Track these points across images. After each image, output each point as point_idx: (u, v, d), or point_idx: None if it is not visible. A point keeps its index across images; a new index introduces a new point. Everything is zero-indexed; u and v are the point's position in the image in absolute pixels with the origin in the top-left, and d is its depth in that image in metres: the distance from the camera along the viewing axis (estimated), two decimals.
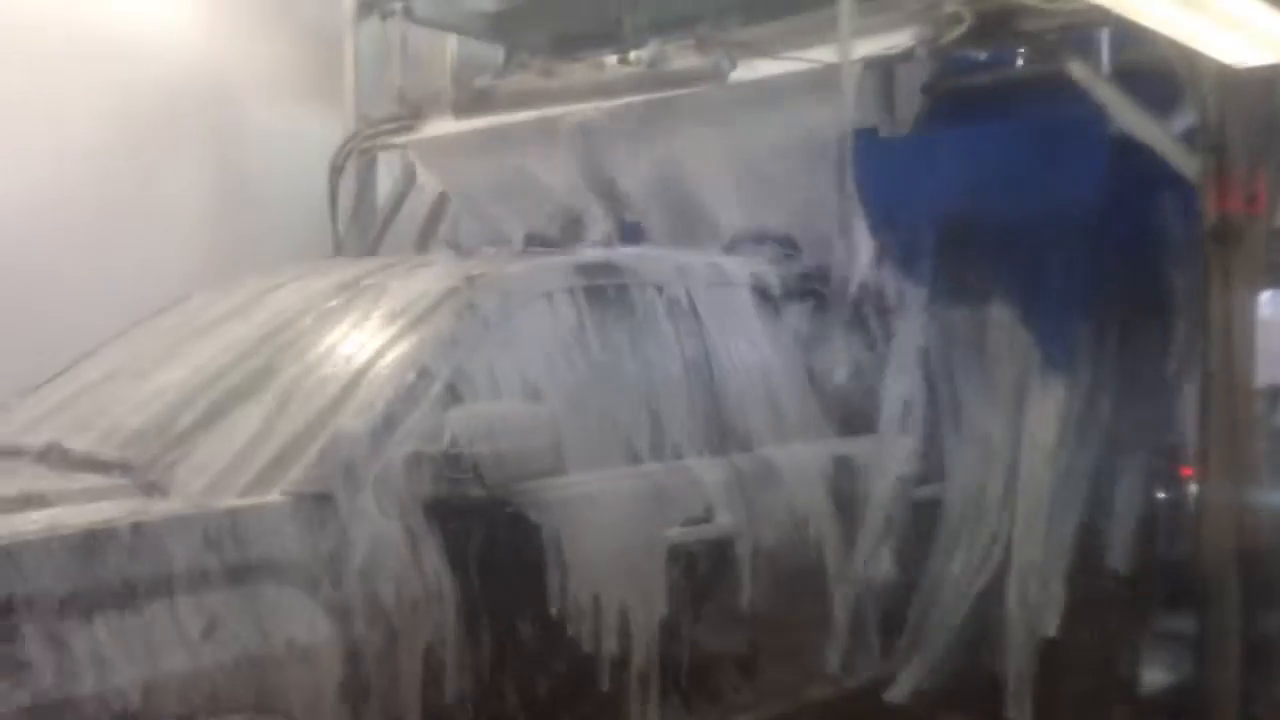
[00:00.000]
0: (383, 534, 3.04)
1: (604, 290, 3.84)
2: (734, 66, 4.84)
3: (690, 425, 3.85)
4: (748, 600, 3.83)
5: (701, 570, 3.70)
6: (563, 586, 3.35)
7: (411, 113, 6.23)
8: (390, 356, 3.34)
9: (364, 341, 3.46)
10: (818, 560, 4.08)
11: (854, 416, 4.39)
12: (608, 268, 3.94)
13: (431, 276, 3.75)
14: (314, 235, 6.31)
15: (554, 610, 3.33)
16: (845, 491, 4.19)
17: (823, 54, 4.73)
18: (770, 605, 3.89)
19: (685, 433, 3.83)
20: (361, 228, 6.44)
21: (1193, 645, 4.22)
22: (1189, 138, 4.19)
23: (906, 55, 4.61)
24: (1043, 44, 4.52)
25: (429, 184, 6.31)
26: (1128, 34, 4.05)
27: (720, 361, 4.02)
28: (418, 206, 6.49)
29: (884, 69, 4.84)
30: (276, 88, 6.77)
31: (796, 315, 4.40)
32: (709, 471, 3.82)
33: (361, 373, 3.30)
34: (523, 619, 3.29)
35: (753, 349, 4.18)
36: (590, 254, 4.18)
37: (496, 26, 6.92)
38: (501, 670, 3.23)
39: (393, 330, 3.46)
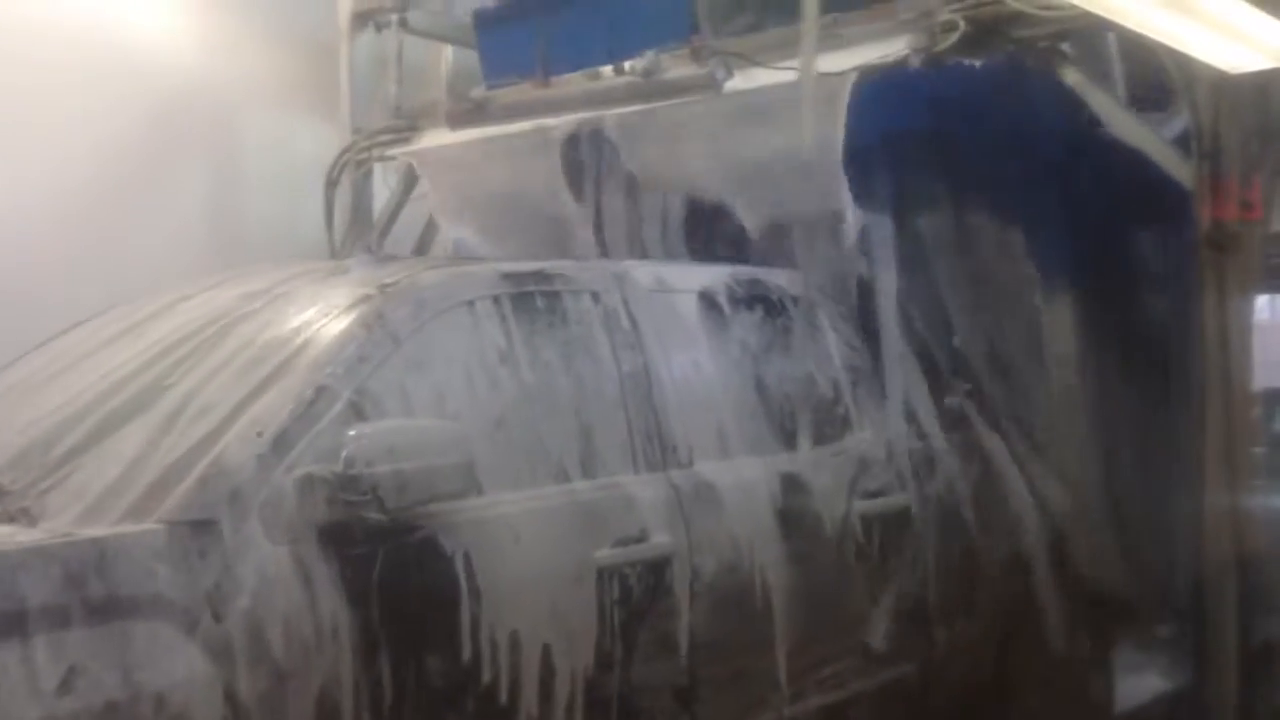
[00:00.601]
0: (271, 564, 2.79)
1: (533, 298, 3.65)
2: (730, 75, 4.84)
3: (625, 440, 3.66)
4: (686, 626, 3.61)
5: (635, 594, 3.50)
6: (476, 617, 3.11)
7: (407, 124, 6.24)
8: (289, 372, 3.10)
9: (262, 356, 3.21)
10: (763, 582, 3.85)
11: (805, 429, 4.21)
12: (537, 275, 3.75)
13: (343, 285, 3.54)
14: (310, 247, 6.30)
15: (466, 645, 3.09)
16: (794, 509, 3.99)
17: (820, 63, 4.72)
18: (711, 630, 3.68)
19: (619, 448, 3.64)
20: (358, 239, 6.44)
21: (1190, 651, 4.21)
22: (1183, 144, 4.20)
23: (900, 64, 4.61)
24: (1037, 51, 4.53)
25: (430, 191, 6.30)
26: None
27: (660, 373, 3.83)
28: (414, 217, 6.49)
29: None
30: (272, 99, 6.77)
31: (746, 325, 4.22)
32: (645, 489, 3.62)
33: (256, 390, 3.06)
34: (431, 655, 3.03)
35: (697, 360, 4.00)
36: (518, 261, 4.01)
37: None
38: (406, 715, 2.97)
39: (295, 344, 3.22)
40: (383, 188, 6.52)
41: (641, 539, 3.53)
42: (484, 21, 6.16)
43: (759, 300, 4.29)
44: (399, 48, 6.39)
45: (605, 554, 3.43)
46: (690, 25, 5.03)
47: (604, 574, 3.41)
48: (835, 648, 4.11)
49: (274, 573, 2.79)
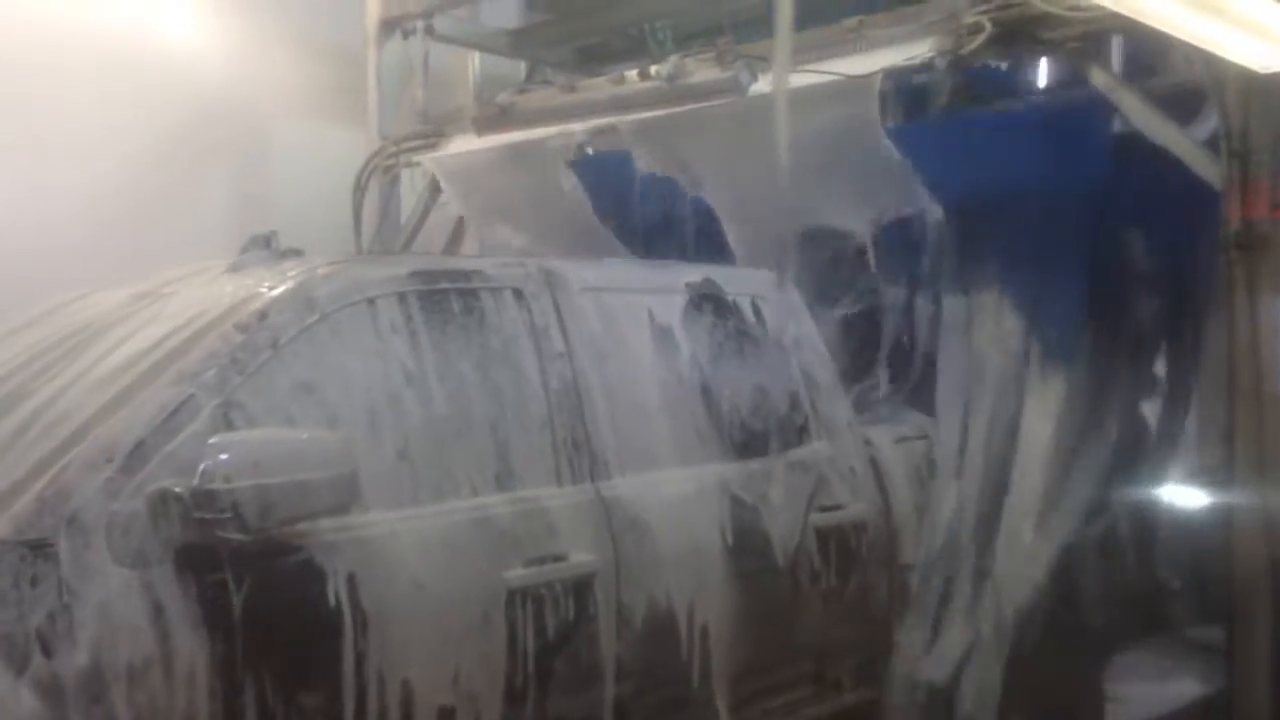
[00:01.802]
0: (117, 593, 2.51)
1: (445, 297, 3.36)
2: (754, 79, 4.84)
3: (548, 451, 3.38)
4: (612, 654, 3.33)
5: (553, 619, 3.22)
6: (361, 650, 2.82)
7: (434, 129, 6.27)
8: (153, 380, 2.83)
9: (129, 363, 2.95)
10: (702, 603, 3.58)
11: (756, 439, 3.95)
12: (451, 272, 3.47)
13: (229, 285, 3.28)
14: (339, 253, 6.33)
15: (349, 682, 2.79)
16: (740, 524, 3.73)
17: (844, 66, 4.72)
18: (641, 658, 3.40)
19: (541, 460, 3.36)
20: (385, 245, 6.47)
21: (1223, 656, 4.17)
22: (1212, 144, 4.16)
23: (926, 66, 4.59)
24: (1064, 52, 4.51)
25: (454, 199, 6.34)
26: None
27: (592, 378, 3.56)
28: (441, 223, 6.52)
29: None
30: (300, 106, 6.80)
31: (695, 328, 3.96)
32: (567, 504, 3.35)
33: (116, 401, 2.79)
34: (306, 695, 2.73)
35: (637, 364, 3.72)
36: (432, 256, 3.78)
37: (518, 43, 6.97)
38: None
39: (164, 350, 2.95)
40: (410, 193, 6.55)
41: (560, 558, 3.26)
42: None
43: (711, 302, 4.03)
44: (425, 54, 6.43)
45: (517, 575, 3.15)
46: None
47: (516, 597, 3.14)
48: (786, 674, 3.86)
49: (119, 602, 2.51)
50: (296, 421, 2.90)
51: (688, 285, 4.01)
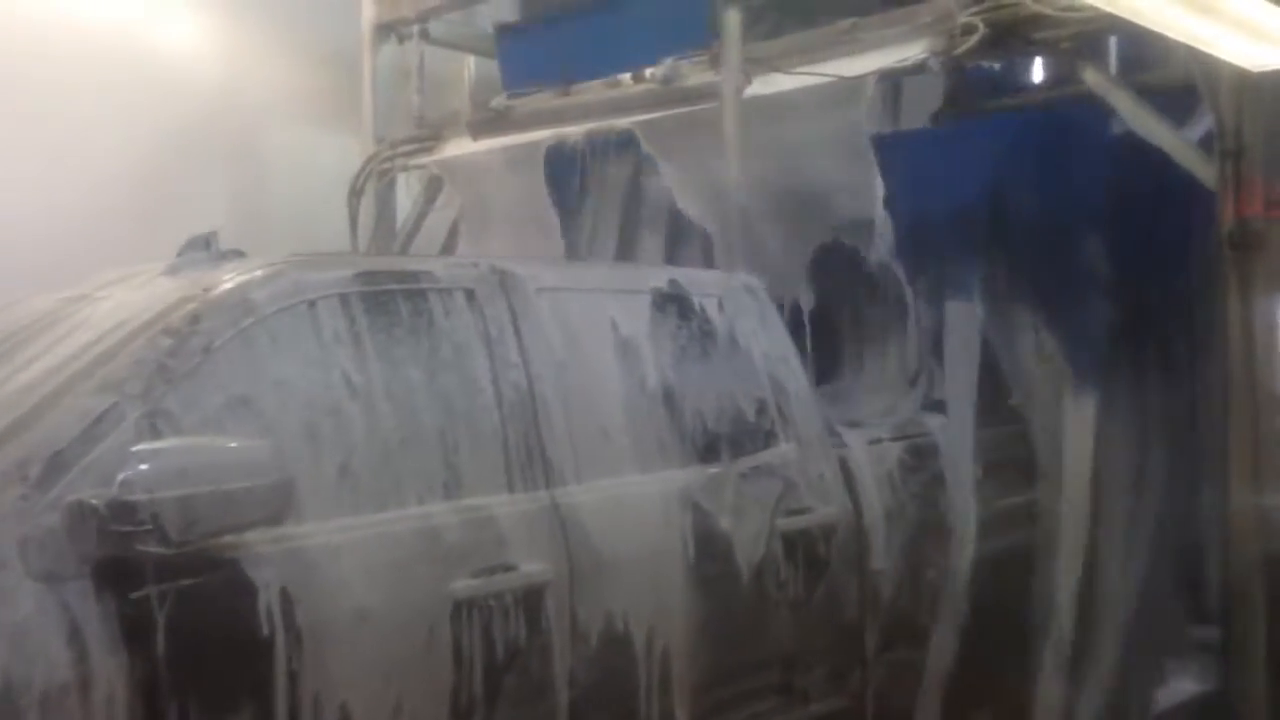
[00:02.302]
0: (30, 610, 2.38)
1: (392, 298, 3.23)
2: (749, 82, 4.85)
3: (499, 457, 3.25)
4: (565, 669, 3.19)
5: (502, 632, 3.09)
6: (295, 669, 2.68)
7: (430, 133, 6.28)
8: (76, 388, 2.71)
9: (52, 371, 2.82)
10: (663, 613, 3.44)
11: (721, 443, 3.80)
12: (398, 272, 3.35)
13: (162, 289, 3.14)
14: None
15: (281, 703, 2.65)
16: (703, 530, 3.60)
17: (839, 68, 4.73)
18: (596, 672, 3.26)
19: (491, 466, 3.23)
20: (381, 248, 6.47)
21: (1219, 653, 4.18)
22: (1206, 143, 4.18)
23: (919, 67, 4.60)
24: (1057, 52, 4.52)
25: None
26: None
27: (547, 381, 3.42)
28: (438, 226, 6.52)
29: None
30: (296, 110, 6.82)
31: (657, 329, 3.82)
32: (517, 512, 3.22)
33: (38, 409, 2.66)
34: (234, 716, 2.60)
35: (595, 367, 3.59)
36: (379, 257, 3.64)
37: None
38: None
39: (92, 355, 2.82)
40: (406, 197, 6.55)
41: (510, 568, 3.13)
42: (504, 32, 6.22)
43: (675, 303, 3.89)
44: (421, 58, 6.44)
45: (464, 586, 3.01)
46: (707, 33, 5.04)
47: (462, 609, 3.01)
48: (750, 685, 3.73)
49: (32, 619, 2.38)
50: (230, 431, 2.76)
51: (652, 287, 3.88)
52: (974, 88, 5.42)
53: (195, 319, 2.88)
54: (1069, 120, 4.72)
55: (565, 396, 3.44)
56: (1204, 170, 4.12)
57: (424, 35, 6.45)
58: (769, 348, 4.08)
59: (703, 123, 4.93)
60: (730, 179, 4.75)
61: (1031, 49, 4.64)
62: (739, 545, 3.68)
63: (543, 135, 5.58)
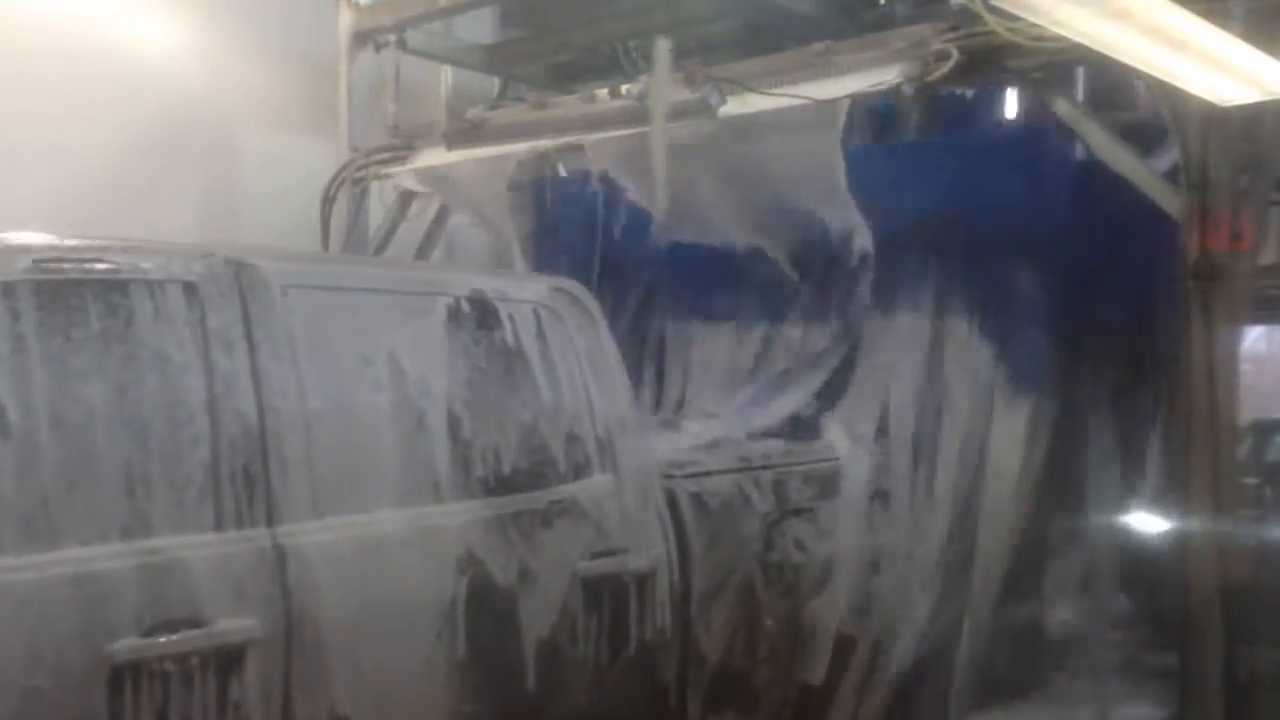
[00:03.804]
0: None
1: (76, 290, 2.68)
2: (724, 101, 4.87)
3: (205, 488, 2.73)
4: None
5: (180, 703, 2.58)
6: None
7: (404, 143, 6.27)
8: None
9: None
10: (420, 670, 2.96)
11: (516, 474, 3.33)
12: (89, 260, 2.75)
13: None
14: None
15: None
16: (479, 576, 3.12)
17: (813, 89, 4.76)
18: None
19: (191, 500, 2.71)
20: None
21: (1176, 682, 4.21)
22: (1173, 175, 4.22)
23: (894, 92, 4.64)
24: (1028, 82, 4.56)
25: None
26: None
27: (283, 398, 2.90)
28: (410, 236, 6.51)
29: None
30: (271, 117, 6.80)
31: (445, 339, 3.33)
32: (218, 554, 2.71)
33: None
34: None
35: (354, 380, 3.08)
36: (66, 243, 2.85)
37: (491, 59, 6.99)
38: None
39: None
40: (379, 206, 6.54)
41: (197, 624, 2.62)
42: None
43: (477, 312, 3.41)
44: (397, 68, 6.43)
45: (127, 646, 2.52)
46: None
47: (125, 674, 2.51)
48: None
49: None
50: None
51: (448, 293, 3.38)
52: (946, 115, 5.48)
53: None
54: (1032, 139, 4.75)
55: (310, 417, 2.94)
56: (1170, 202, 4.16)
57: (401, 45, 6.44)
58: (590, 365, 3.61)
59: (679, 140, 4.95)
60: (658, 205, 4.76)
61: (1004, 77, 4.68)
62: (525, 595, 3.18)
63: (517, 148, 5.59)
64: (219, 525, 2.74)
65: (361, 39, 6.51)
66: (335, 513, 2.92)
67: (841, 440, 4.49)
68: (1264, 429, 7.10)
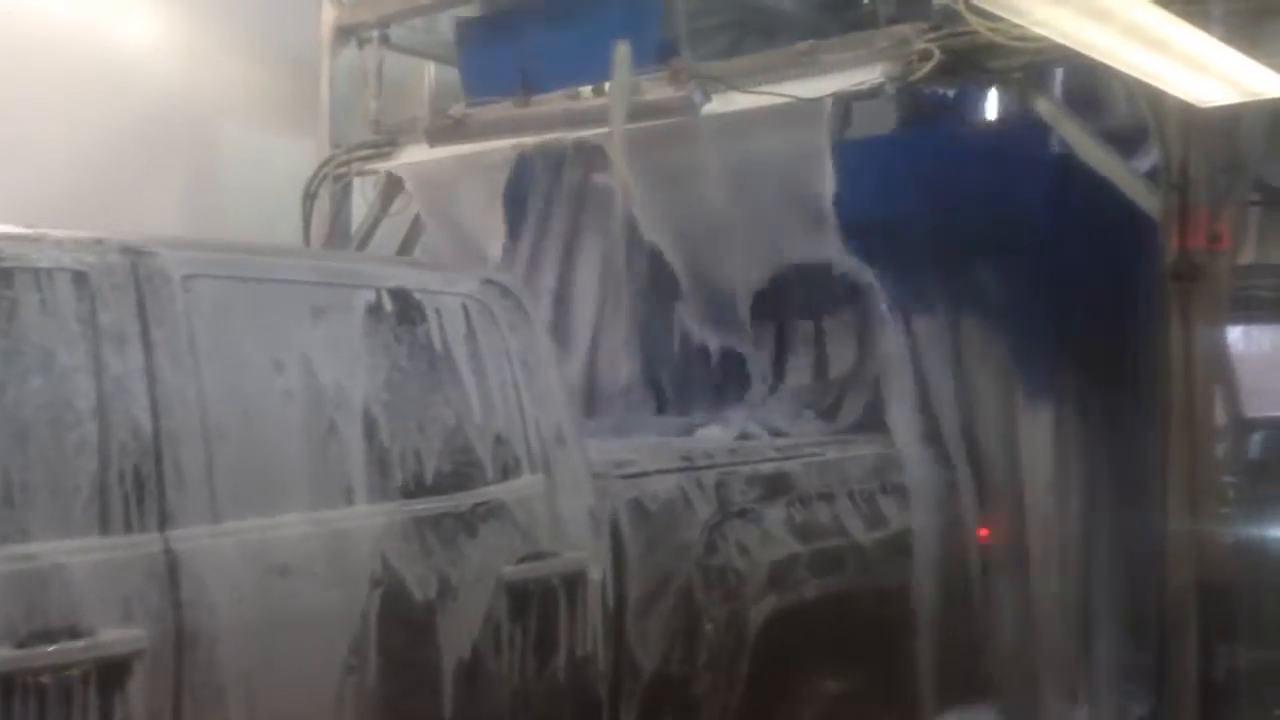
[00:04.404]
0: None
1: None
2: (708, 99, 4.88)
3: (88, 490, 2.55)
4: None
5: (64, 713, 2.42)
6: None
7: (386, 139, 6.26)
8: None
9: None
10: (325, 686, 2.77)
11: (438, 475, 3.14)
12: None
13: None
14: None
15: None
16: (394, 582, 2.93)
17: (797, 88, 4.77)
18: None
19: (73, 502, 2.53)
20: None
21: (1153, 679, 4.23)
22: (1153, 176, 4.25)
23: (876, 91, 4.66)
24: (1010, 81, 4.59)
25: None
26: None
27: (179, 394, 2.71)
28: (392, 231, 6.50)
29: None
30: (253, 112, 6.78)
31: (365, 334, 3.14)
32: (102, 559, 2.53)
33: None
34: None
35: (264, 378, 2.89)
36: None
37: None
38: None
39: None
40: (361, 202, 6.53)
41: (79, 634, 2.45)
42: (465, 38, 6.22)
43: (399, 305, 3.23)
44: (379, 63, 6.42)
45: (0, 658, 2.36)
46: (662, 48, 5.07)
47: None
48: None
49: None
50: None
51: (369, 285, 3.21)
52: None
53: None
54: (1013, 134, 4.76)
55: (209, 416, 2.76)
56: (1150, 202, 4.19)
57: (384, 40, 6.43)
58: (523, 363, 3.44)
59: (658, 138, 4.96)
60: (621, 207, 4.81)
61: (985, 77, 4.70)
62: (445, 610, 3.00)
63: (500, 145, 5.58)
64: (104, 530, 2.56)
65: (344, 34, 6.50)
66: (235, 518, 2.73)
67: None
68: (1246, 427, 7.13)
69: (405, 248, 6.45)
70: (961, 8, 4.04)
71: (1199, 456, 4.06)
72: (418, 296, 3.27)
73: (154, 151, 6.40)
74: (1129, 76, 3.70)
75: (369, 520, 2.95)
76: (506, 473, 3.27)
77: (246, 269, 2.98)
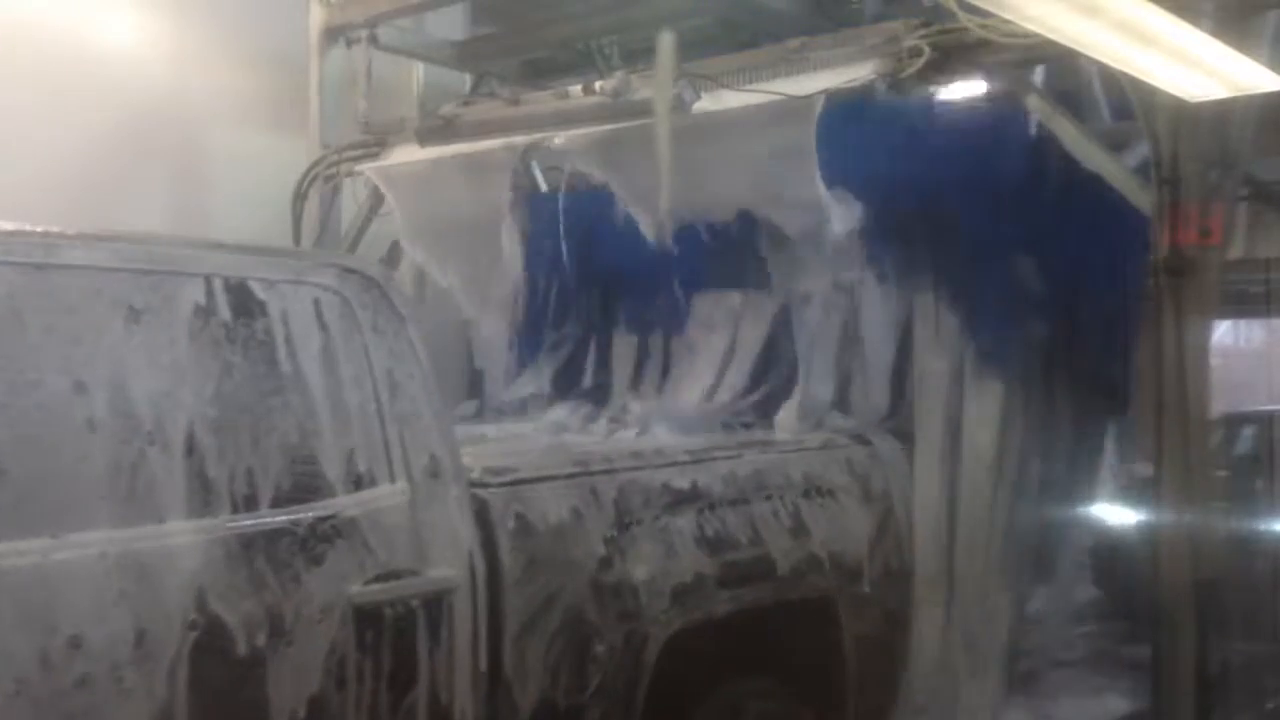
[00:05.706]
0: None
1: None
2: (698, 96, 4.87)
3: None
4: None
5: None
6: None
7: (376, 139, 6.25)
8: None
9: None
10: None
11: (272, 488, 2.78)
12: None
13: None
14: None
15: None
16: (209, 609, 2.57)
17: (788, 86, 4.77)
18: None
19: None
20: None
21: (1149, 674, 4.24)
22: (1144, 171, 4.25)
23: (867, 88, 4.65)
24: (1000, 77, 4.58)
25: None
26: None
27: None
28: (382, 232, 6.49)
29: None
30: (242, 113, 6.75)
31: (203, 334, 2.79)
32: None
33: None
34: None
35: (52, 378, 2.52)
36: None
37: (463, 55, 6.96)
38: None
39: None
40: (351, 203, 6.51)
41: None
42: None
43: (233, 298, 2.86)
44: (368, 64, 6.40)
45: None
46: None
47: None
48: None
49: None
50: None
51: (198, 272, 2.83)
52: None
53: None
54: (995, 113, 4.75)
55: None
56: (1141, 197, 4.19)
57: (373, 41, 6.41)
58: (386, 361, 3.11)
59: (650, 137, 4.95)
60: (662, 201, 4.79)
61: (976, 73, 4.70)
62: (276, 629, 2.63)
63: (491, 144, 5.57)
64: None
65: (332, 35, 6.48)
66: (16, 537, 2.36)
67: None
68: (1235, 422, 7.17)
69: (395, 246, 6.44)
70: (952, 4, 4.04)
71: (1193, 450, 4.07)
72: (254, 285, 2.89)
73: (143, 153, 6.38)
74: (1120, 71, 3.70)
75: (182, 539, 2.57)
76: (359, 483, 2.92)
77: (41, 254, 2.61)
